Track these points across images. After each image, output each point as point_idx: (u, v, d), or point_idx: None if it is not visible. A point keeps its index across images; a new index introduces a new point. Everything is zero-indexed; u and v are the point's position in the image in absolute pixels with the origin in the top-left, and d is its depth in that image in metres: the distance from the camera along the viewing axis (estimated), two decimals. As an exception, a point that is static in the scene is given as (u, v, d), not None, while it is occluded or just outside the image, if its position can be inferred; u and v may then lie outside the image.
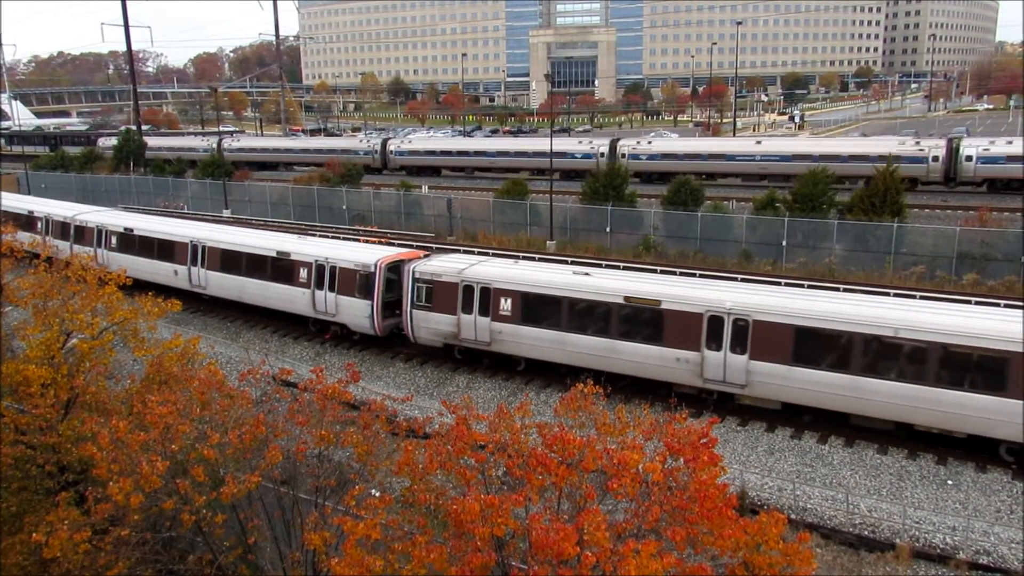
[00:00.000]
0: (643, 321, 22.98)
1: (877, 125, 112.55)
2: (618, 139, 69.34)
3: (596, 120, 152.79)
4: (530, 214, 46.85)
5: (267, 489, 13.71)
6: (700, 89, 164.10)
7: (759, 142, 62.24)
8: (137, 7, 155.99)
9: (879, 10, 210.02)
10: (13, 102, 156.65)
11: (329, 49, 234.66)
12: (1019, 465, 19.24)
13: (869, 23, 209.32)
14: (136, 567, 12.82)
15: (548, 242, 44.38)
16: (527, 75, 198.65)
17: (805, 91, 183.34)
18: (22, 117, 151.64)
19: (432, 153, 77.68)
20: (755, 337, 21.17)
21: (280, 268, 30.60)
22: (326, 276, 28.88)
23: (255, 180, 68.27)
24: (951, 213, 44.32)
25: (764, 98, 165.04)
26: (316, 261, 29.21)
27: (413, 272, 26.86)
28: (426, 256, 28.97)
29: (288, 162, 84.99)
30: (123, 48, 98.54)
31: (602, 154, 64.67)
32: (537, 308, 24.70)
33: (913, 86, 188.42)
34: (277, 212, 58.05)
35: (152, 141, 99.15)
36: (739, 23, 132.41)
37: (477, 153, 75.00)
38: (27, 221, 42.73)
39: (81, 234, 39.61)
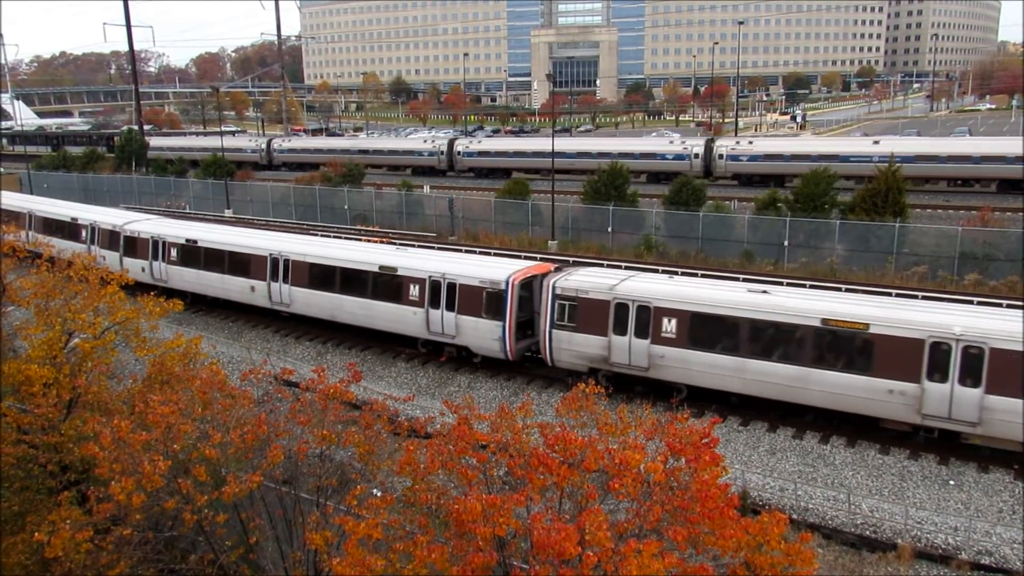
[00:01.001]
0: (846, 347, 20.39)
1: (879, 125, 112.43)
2: (714, 138, 65.86)
3: (597, 120, 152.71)
4: (532, 214, 46.86)
5: (269, 489, 13.72)
6: (702, 89, 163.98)
7: (877, 142, 56.80)
8: (139, 7, 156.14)
9: (881, 10, 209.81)
10: (15, 102, 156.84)
11: (331, 49, 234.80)
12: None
13: (871, 23, 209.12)
14: (138, 566, 12.84)
15: (550, 242, 44.39)
16: (529, 75, 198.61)
17: (807, 91, 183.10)
18: (24, 117, 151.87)
19: (504, 154, 72.67)
20: (992, 368, 18.55)
21: (385, 284, 27.66)
22: (443, 294, 26.07)
23: (256, 180, 68.35)
24: (953, 213, 44.27)
25: (766, 98, 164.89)
26: (431, 277, 26.35)
27: (554, 288, 24.16)
28: (560, 270, 26.24)
29: (344, 164, 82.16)
30: (125, 48, 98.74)
31: (696, 155, 60.81)
32: (709, 330, 22.02)
33: (915, 86, 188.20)
34: (279, 212, 58.16)
35: (184, 141, 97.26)
36: (741, 23, 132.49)
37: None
38: (70, 229, 40.04)
39: (133, 245, 36.22)
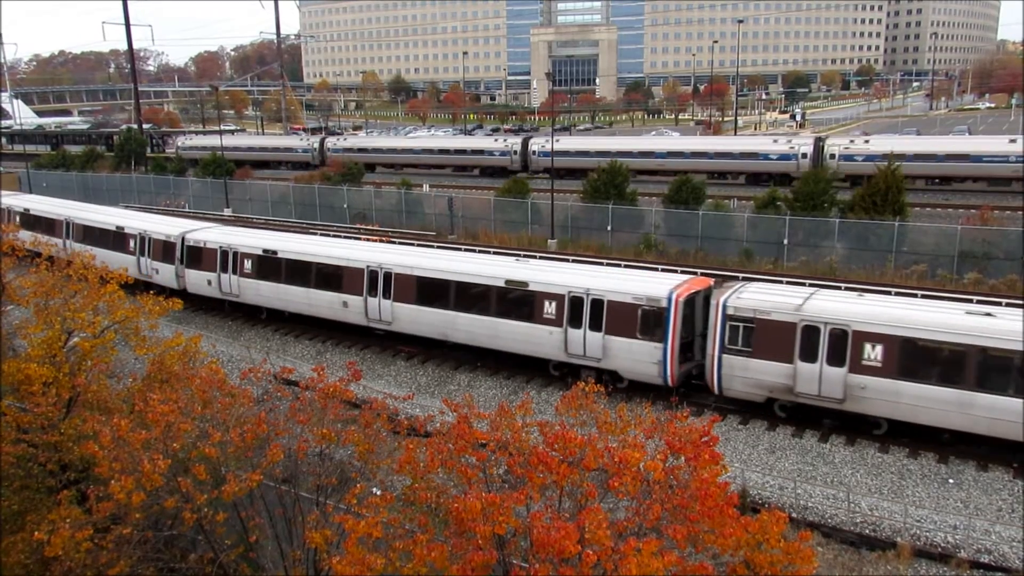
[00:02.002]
0: None
1: (878, 124, 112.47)
2: (824, 137, 62.09)
3: (596, 119, 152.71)
4: (531, 212, 46.87)
5: (268, 487, 13.72)
6: (701, 87, 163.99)
7: (1014, 140, 52.55)
8: (138, 6, 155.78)
9: (880, 8, 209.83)
10: (14, 101, 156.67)
11: (330, 47, 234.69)
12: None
13: (870, 21, 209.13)
14: (137, 565, 12.84)
15: (549, 240, 44.39)
16: (528, 74, 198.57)
17: (806, 89, 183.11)
18: (23, 116, 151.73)
19: (585, 154, 67.26)
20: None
21: (513, 301, 25.11)
22: (586, 311, 23.48)
23: (256, 179, 68.33)
24: (952, 212, 44.29)
25: (765, 96, 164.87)
26: (571, 293, 23.75)
27: (725, 307, 21.61)
28: (723, 285, 23.97)
29: (407, 163, 77.01)
30: (124, 47, 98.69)
31: (804, 154, 56.52)
32: (926, 359, 19.58)
33: (915, 84, 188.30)
34: (278, 211, 58.16)
35: (226, 140, 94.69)
36: (740, 21, 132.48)
37: (642, 154, 65.27)
38: (116, 239, 37.15)
39: (197, 256, 33.37)
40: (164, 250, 34.69)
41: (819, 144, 57.35)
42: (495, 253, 37.55)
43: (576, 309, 23.73)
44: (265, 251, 31.35)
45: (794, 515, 17.47)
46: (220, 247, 32.50)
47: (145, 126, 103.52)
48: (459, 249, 38.07)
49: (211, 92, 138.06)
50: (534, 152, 69.55)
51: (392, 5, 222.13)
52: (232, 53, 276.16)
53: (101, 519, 12.45)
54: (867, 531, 17.26)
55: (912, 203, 41.95)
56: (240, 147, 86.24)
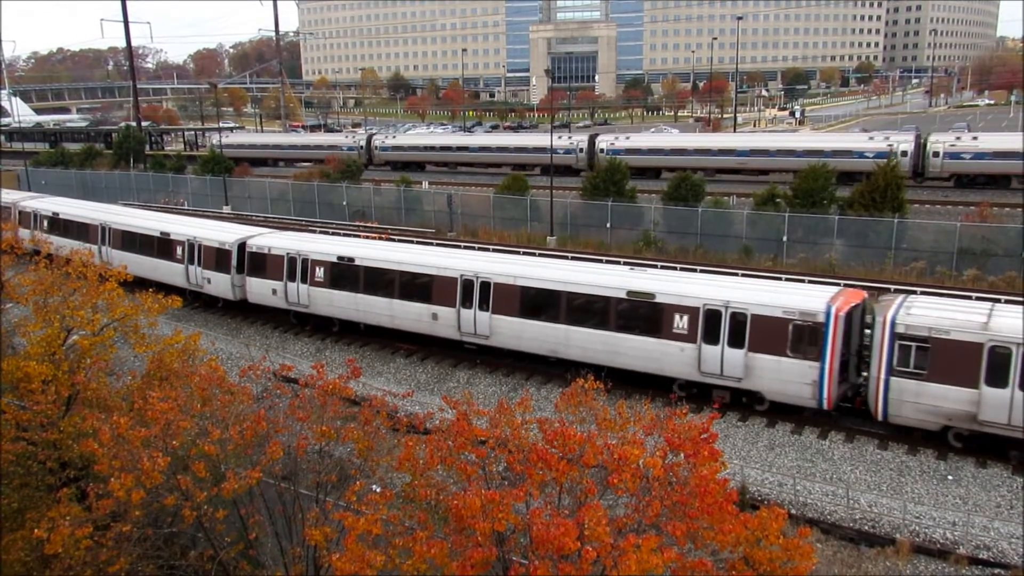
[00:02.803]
0: None
1: (878, 121, 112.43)
2: (927, 132, 58.42)
3: (595, 115, 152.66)
4: (530, 210, 46.86)
5: (268, 485, 13.72)
6: (700, 84, 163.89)
7: None
8: (137, 3, 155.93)
9: (880, 5, 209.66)
10: (13, 99, 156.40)
11: (329, 45, 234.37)
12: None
13: (870, 18, 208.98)
14: (137, 563, 12.84)
15: (548, 238, 44.40)
16: (527, 70, 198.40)
17: (805, 86, 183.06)
18: (22, 114, 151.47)
19: (659, 152, 64.87)
20: None
21: (636, 314, 23.19)
22: (724, 326, 21.59)
23: (255, 176, 68.30)
24: (952, 209, 44.30)
25: (764, 93, 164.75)
26: (706, 306, 21.78)
27: (893, 324, 19.54)
28: (884, 298, 22.13)
29: (462, 162, 74.26)
30: (122, 44, 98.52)
31: (904, 152, 53.05)
32: None
33: (914, 81, 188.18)
34: (277, 208, 58.16)
35: (265, 139, 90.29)
36: (739, 18, 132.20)
37: (721, 151, 61.65)
38: (161, 246, 35.02)
39: (261, 264, 31.31)
40: (218, 258, 32.55)
41: (920, 141, 54.20)
42: (588, 259, 35.47)
43: (712, 323, 21.77)
44: (340, 258, 29.19)
45: (793, 511, 17.51)
46: (287, 254, 30.33)
47: (144, 124, 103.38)
48: (533, 254, 35.89)
49: (210, 89, 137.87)
50: (602, 150, 65.91)
51: (391, 2, 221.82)
52: (231, 50, 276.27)
53: (101, 517, 12.44)
54: (866, 527, 17.29)
55: (911, 200, 41.97)
56: (282, 145, 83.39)
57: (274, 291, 30.87)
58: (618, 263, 31.32)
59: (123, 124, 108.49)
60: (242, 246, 31.92)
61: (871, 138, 57.08)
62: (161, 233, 35.21)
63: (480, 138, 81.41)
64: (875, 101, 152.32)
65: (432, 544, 10.48)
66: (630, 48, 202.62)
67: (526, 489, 10.79)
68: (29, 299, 18.40)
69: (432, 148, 77.03)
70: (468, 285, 25.94)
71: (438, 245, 38.37)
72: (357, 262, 28.71)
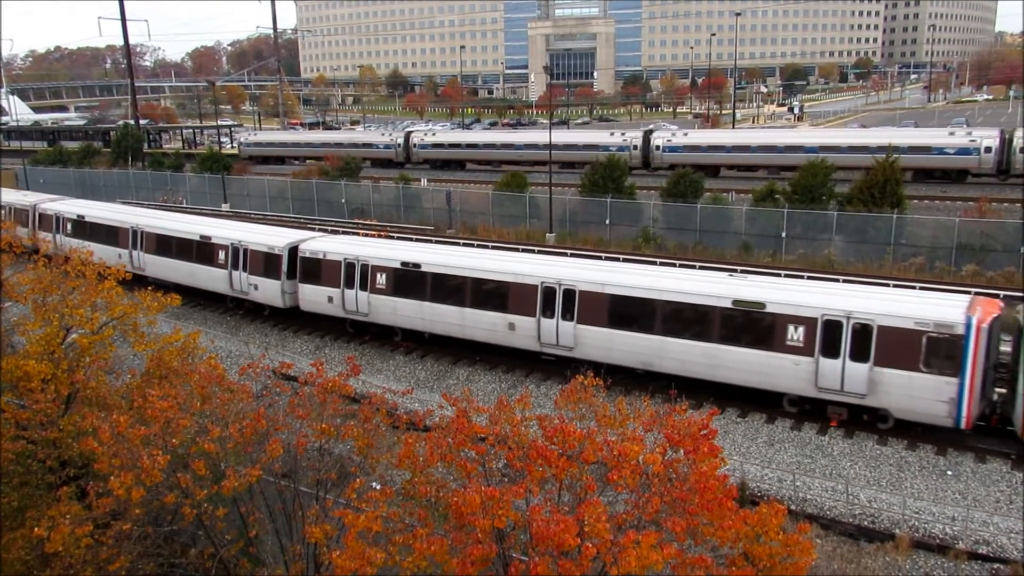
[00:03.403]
0: None
1: (876, 116, 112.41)
2: (1011, 129, 53.78)
3: (594, 112, 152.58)
4: (529, 206, 46.84)
5: (268, 482, 13.73)
6: (699, 81, 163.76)
7: None
8: (134, 2, 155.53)
9: (878, 0, 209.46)
10: (11, 97, 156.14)
11: (327, 42, 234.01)
12: None
13: (868, 14, 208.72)
14: (138, 561, 12.85)
15: (548, 235, 44.39)
16: (526, 67, 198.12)
17: (804, 82, 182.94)
18: (19, 112, 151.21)
19: (720, 148, 61.35)
20: None
21: (743, 325, 21.74)
22: (846, 338, 20.13)
23: (254, 174, 68.24)
24: (951, 204, 44.31)
25: (763, 89, 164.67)
26: (825, 316, 20.30)
27: None
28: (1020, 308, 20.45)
29: (506, 160, 67.83)
30: (120, 42, 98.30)
31: (987, 148, 50.00)
32: None
33: (912, 77, 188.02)
34: (276, 206, 58.14)
35: (292, 137, 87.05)
36: (738, 14, 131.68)
37: (788, 148, 57.27)
38: (201, 250, 33.19)
39: (315, 269, 29.66)
40: (267, 263, 30.82)
41: (1006, 137, 50.75)
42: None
43: (832, 335, 20.28)
44: (404, 264, 27.53)
45: (793, 507, 17.55)
46: (344, 259, 28.67)
47: (142, 122, 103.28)
48: (616, 258, 34.28)
49: (208, 87, 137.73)
50: (657, 147, 63.34)
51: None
52: (229, 48, 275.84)
53: (101, 515, 12.45)
54: (866, 523, 17.32)
55: (910, 195, 41.95)
56: (313, 143, 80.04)
57: (330, 299, 29.16)
58: (693, 266, 30.69)
59: (121, 122, 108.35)
60: (294, 250, 30.21)
61: (951, 133, 54.24)
62: (201, 237, 33.40)
63: (525, 134, 77.04)
64: (874, 97, 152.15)
65: (432, 541, 10.49)
66: (629, 44, 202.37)
67: (526, 486, 10.80)
68: (28, 298, 18.38)
69: (475, 145, 73.11)
70: (550, 293, 24.43)
71: (518, 250, 36.12)
72: (424, 268, 27.08)
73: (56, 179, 72.89)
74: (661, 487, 10.77)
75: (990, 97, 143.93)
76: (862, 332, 19.94)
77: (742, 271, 31.11)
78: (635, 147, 64.16)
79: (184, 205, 61.74)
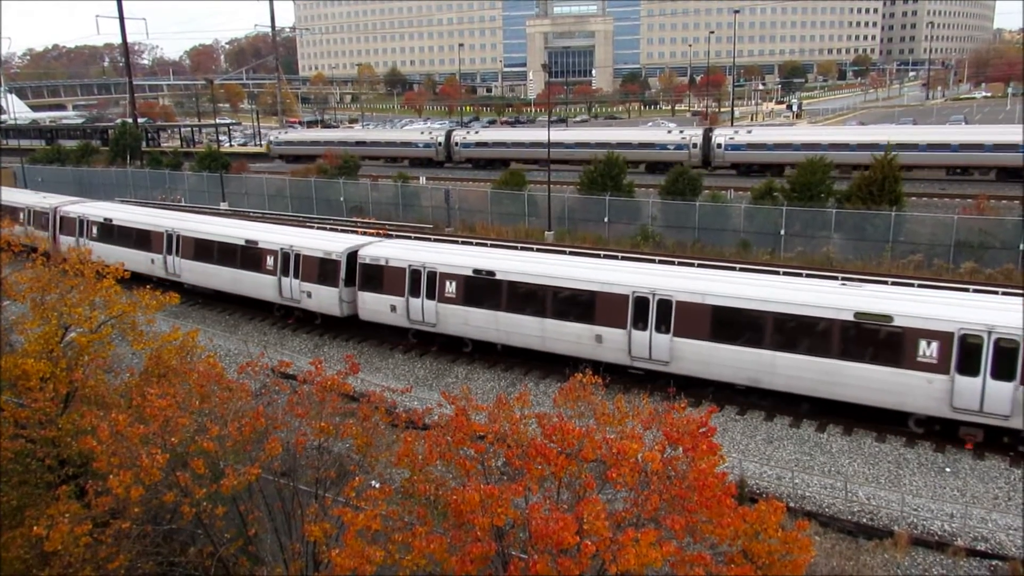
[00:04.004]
0: None
1: (875, 113, 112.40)
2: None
3: (593, 110, 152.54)
4: (528, 205, 46.81)
5: (267, 481, 13.73)
6: (698, 78, 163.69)
7: None
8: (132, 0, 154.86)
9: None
10: (8, 96, 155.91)
11: (325, 40, 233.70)
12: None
13: (867, 11, 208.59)
14: (137, 560, 12.85)
15: (546, 232, 44.37)
16: (524, 65, 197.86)
17: (803, 80, 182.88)
18: (17, 111, 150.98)
19: (788, 147, 57.36)
20: None
21: (865, 339, 20.26)
22: (986, 354, 18.64)
23: (251, 173, 68.19)
24: (949, 202, 44.32)
25: (762, 87, 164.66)
26: (963, 330, 18.82)
27: None
28: None
29: (555, 159, 60.56)
30: (118, 41, 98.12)
31: None
32: None
33: (911, 74, 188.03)
34: (275, 204, 58.09)
35: (325, 135, 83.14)
36: (736, 12, 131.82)
37: (861, 146, 53.75)
38: (244, 255, 31.69)
39: (376, 277, 28.18)
40: (322, 269, 29.23)
41: None
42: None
43: (971, 351, 18.83)
44: (477, 271, 26.04)
45: (792, 504, 17.56)
46: (409, 265, 27.16)
47: (140, 120, 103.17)
48: (714, 266, 32.31)
49: (206, 86, 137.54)
50: (719, 145, 59.76)
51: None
52: (227, 46, 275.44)
53: (100, 514, 12.45)
54: (864, 520, 17.34)
55: (909, 192, 41.95)
56: (347, 141, 76.66)
57: (393, 307, 27.71)
58: (777, 272, 30.04)
59: (119, 121, 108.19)
60: (352, 256, 28.71)
61: None
62: (247, 241, 31.87)
63: (578, 133, 73.85)
64: (872, 94, 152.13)
65: (431, 539, 10.50)
66: (627, 42, 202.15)
67: (525, 484, 10.80)
68: (27, 296, 18.37)
69: (521, 144, 68.98)
70: (642, 303, 23.04)
71: (604, 256, 35.34)
72: (499, 276, 25.57)
73: (54, 177, 72.76)
74: (660, 485, 10.77)
75: (988, 94, 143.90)
76: (1006, 347, 18.33)
77: (741, 269, 31.14)
78: (695, 145, 61.12)
79: (183, 204, 61.69)
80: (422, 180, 60.55)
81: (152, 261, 35.34)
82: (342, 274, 28.65)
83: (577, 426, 11.54)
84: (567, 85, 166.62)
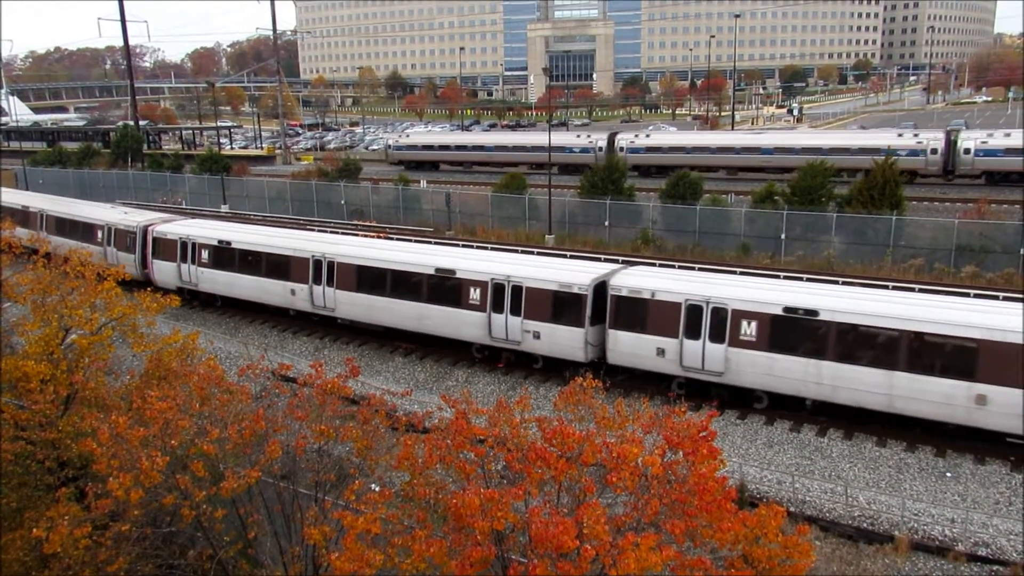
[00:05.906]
0: None
1: (875, 118, 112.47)
2: None
3: (594, 114, 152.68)
4: (528, 208, 46.85)
5: (267, 484, 13.72)
6: (698, 82, 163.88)
7: None
8: (134, 2, 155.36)
9: (877, 2, 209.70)
10: (10, 98, 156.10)
11: (326, 43, 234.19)
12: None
13: (867, 15, 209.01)
14: (136, 562, 12.84)
15: (547, 236, 44.38)
16: (525, 69, 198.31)
17: (803, 84, 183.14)
18: (19, 113, 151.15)
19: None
20: None
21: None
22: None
23: (252, 175, 68.28)
24: (950, 206, 44.33)
25: (762, 91, 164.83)
26: (689, 301, 18.48)
27: None
28: None
29: (725, 165, 60.44)
30: (120, 43, 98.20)
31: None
32: None
33: (912, 78, 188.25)
34: (275, 207, 58.15)
35: (460, 138, 79.43)
36: (737, 16, 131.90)
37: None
38: (435, 288, 26.83)
39: (637, 313, 23.49)
40: (557, 305, 24.67)
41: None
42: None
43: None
44: (789, 309, 21.24)
45: (792, 509, 17.53)
46: (687, 300, 22.50)
47: (141, 123, 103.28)
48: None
49: (207, 88, 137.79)
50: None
51: (388, 1, 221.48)
52: (228, 49, 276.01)
53: (99, 516, 12.44)
54: (865, 525, 17.32)
55: (909, 196, 41.98)
56: (485, 145, 72.15)
57: (660, 351, 22.96)
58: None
59: (120, 123, 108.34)
60: (600, 287, 24.08)
61: None
62: (438, 270, 26.82)
63: (738, 138, 66.65)
64: (873, 98, 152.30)
65: (431, 543, 10.48)
66: (628, 46, 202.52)
67: (525, 488, 10.79)
68: (27, 298, 18.38)
69: (682, 149, 63.44)
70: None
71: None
72: (822, 316, 20.70)
73: (55, 179, 72.86)
74: (660, 489, 10.75)
75: (989, 98, 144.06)
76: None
77: (741, 272, 31.11)
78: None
79: (183, 206, 61.75)
80: (423, 183, 60.61)
81: (292, 292, 30.23)
82: (588, 311, 23.84)
83: (577, 430, 11.52)
84: (568, 89, 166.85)
